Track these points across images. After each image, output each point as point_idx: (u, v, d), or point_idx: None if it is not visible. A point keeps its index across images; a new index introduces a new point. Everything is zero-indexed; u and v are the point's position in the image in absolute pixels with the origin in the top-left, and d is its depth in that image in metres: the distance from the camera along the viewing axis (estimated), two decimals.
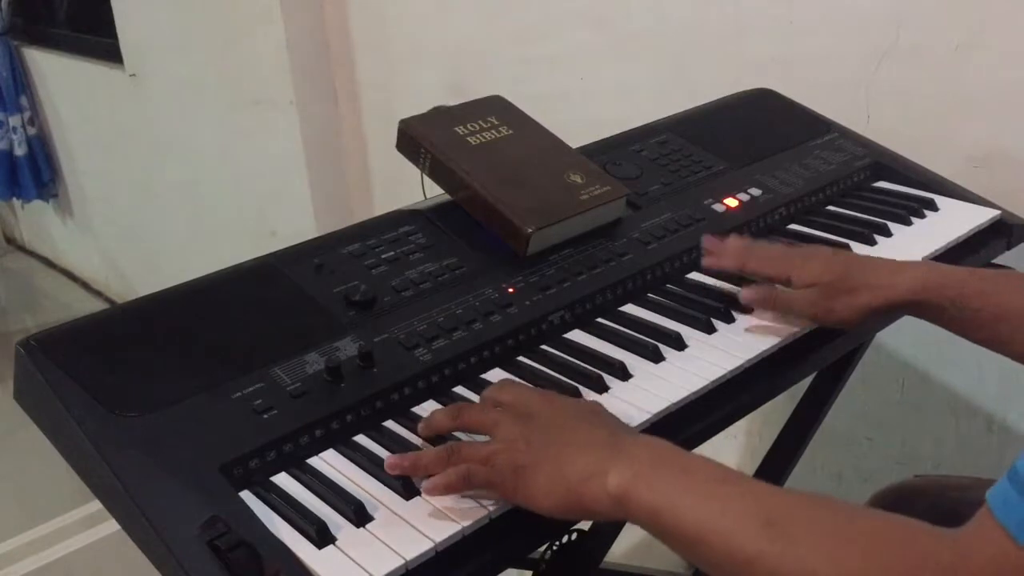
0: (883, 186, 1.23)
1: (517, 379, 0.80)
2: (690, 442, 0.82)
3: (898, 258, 1.03)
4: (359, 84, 2.37)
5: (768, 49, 1.59)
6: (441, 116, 1.05)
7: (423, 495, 0.69)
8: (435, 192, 1.02)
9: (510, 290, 0.91)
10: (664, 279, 0.99)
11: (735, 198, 1.11)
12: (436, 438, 0.74)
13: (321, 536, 0.65)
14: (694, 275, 1.01)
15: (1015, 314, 0.83)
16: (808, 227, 1.12)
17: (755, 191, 1.14)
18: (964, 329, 0.87)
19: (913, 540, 0.56)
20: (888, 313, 0.90)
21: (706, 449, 0.82)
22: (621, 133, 1.21)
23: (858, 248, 1.06)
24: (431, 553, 0.65)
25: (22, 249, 4.01)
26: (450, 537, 0.66)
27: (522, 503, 0.67)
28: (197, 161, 2.74)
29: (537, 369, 0.85)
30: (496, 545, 0.68)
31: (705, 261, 0.94)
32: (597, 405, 0.74)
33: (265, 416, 0.73)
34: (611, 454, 0.65)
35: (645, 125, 1.23)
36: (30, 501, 2.14)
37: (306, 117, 2.34)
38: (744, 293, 0.91)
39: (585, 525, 0.99)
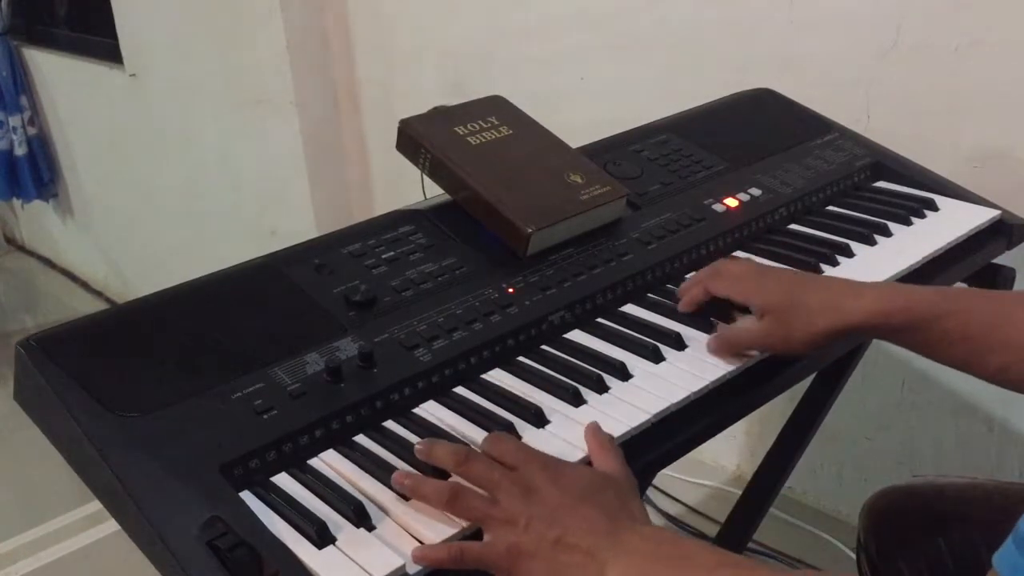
0: (883, 186, 1.23)
1: (510, 436, 0.74)
2: (690, 442, 0.82)
3: (901, 257, 1.04)
4: (359, 84, 2.37)
5: (768, 49, 1.59)
6: (441, 116, 1.05)
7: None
8: (435, 192, 1.02)
9: (510, 290, 0.91)
10: (664, 279, 0.99)
11: (735, 198, 1.11)
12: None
13: (321, 536, 0.65)
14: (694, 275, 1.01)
15: (984, 333, 0.80)
16: (808, 227, 1.12)
17: (755, 191, 1.14)
18: (930, 350, 0.84)
19: None
20: (848, 337, 0.86)
21: (707, 449, 0.82)
22: (621, 133, 1.21)
23: (858, 248, 1.06)
24: None
25: (22, 249, 4.01)
26: (450, 538, 0.66)
27: None
28: (197, 161, 2.74)
29: (537, 369, 0.85)
30: None
31: (681, 305, 0.92)
32: (604, 476, 0.70)
33: (265, 416, 0.73)
34: (609, 545, 0.64)
35: (645, 125, 1.23)
36: (30, 501, 2.14)
37: (306, 117, 2.34)
38: (708, 345, 0.87)
39: None
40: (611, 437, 0.75)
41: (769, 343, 0.85)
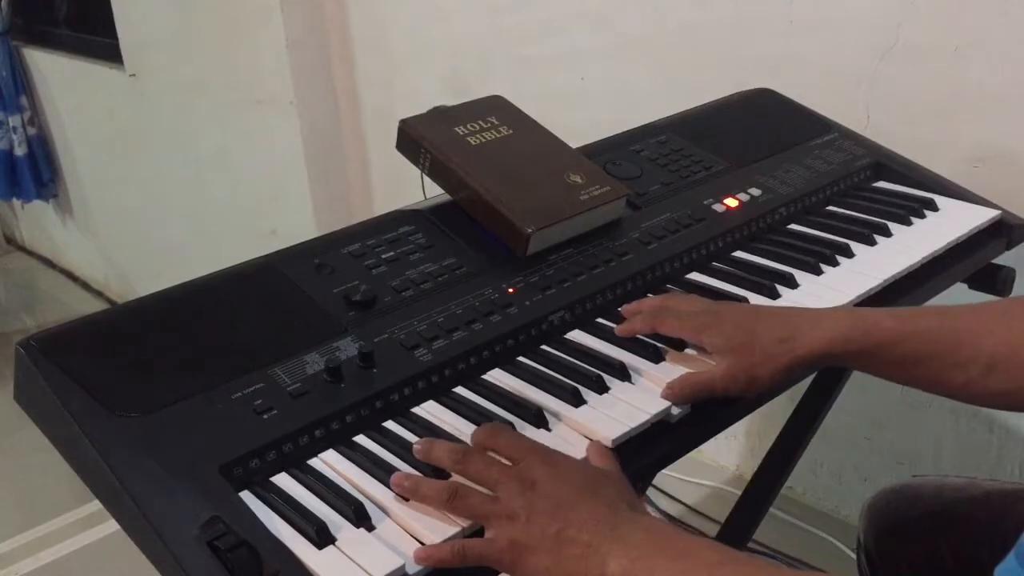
0: (883, 186, 1.23)
1: (506, 427, 0.75)
2: (690, 442, 0.82)
3: (901, 257, 1.04)
4: (359, 84, 2.37)
5: (768, 49, 1.59)
6: (441, 116, 1.05)
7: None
8: (435, 192, 1.02)
9: (510, 290, 0.91)
10: (664, 279, 0.99)
11: (735, 198, 1.11)
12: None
13: (321, 536, 0.65)
14: (694, 275, 1.01)
15: (944, 353, 0.79)
16: (808, 227, 1.12)
17: (755, 191, 1.14)
18: (892, 373, 0.83)
19: None
20: (811, 367, 0.84)
21: (707, 449, 0.82)
22: (621, 133, 1.21)
23: (858, 248, 1.06)
24: None
25: (22, 249, 4.01)
26: (451, 537, 0.66)
27: None
28: (197, 161, 2.74)
29: (537, 369, 0.85)
30: None
31: (618, 329, 0.88)
32: (602, 471, 0.71)
33: (265, 416, 0.73)
34: (610, 538, 0.64)
35: (645, 125, 1.23)
36: (30, 501, 2.14)
37: (306, 117, 2.34)
38: (665, 395, 0.81)
39: None
40: (611, 451, 0.75)
41: (735, 386, 0.80)
